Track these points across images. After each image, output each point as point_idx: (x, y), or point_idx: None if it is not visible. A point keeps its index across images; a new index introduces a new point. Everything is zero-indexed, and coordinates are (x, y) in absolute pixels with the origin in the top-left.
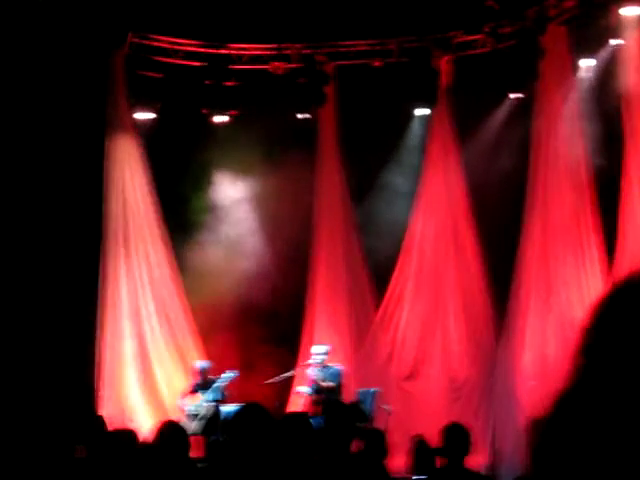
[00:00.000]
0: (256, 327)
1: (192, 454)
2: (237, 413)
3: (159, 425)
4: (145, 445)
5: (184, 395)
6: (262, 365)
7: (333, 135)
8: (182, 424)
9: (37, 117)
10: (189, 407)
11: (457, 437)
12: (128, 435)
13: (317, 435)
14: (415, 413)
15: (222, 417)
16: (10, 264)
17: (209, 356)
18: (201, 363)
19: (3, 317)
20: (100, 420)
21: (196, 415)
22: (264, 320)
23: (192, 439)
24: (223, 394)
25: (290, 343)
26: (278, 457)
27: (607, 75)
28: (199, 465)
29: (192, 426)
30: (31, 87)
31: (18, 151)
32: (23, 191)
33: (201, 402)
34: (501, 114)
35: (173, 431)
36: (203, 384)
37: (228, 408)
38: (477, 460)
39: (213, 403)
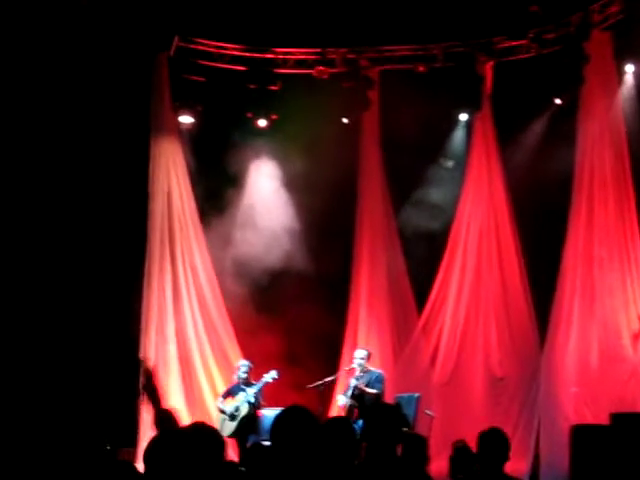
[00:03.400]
0: (298, 332)
1: (227, 456)
2: (281, 416)
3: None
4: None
5: (223, 395)
6: (304, 369)
7: (376, 140)
8: (220, 425)
9: (83, 119)
10: (227, 408)
11: (495, 442)
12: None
13: (359, 440)
14: (456, 418)
15: (262, 420)
16: (57, 266)
17: (252, 359)
18: (242, 362)
19: (50, 319)
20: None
21: (234, 416)
22: (305, 324)
23: (228, 440)
24: (261, 396)
25: (333, 348)
26: (321, 461)
27: None
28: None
29: (229, 427)
30: (77, 89)
31: (65, 153)
32: (70, 193)
33: (240, 403)
34: (545, 119)
35: (204, 433)
36: (243, 383)
37: (270, 412)
38: (519, 466)
39: (251, 405)
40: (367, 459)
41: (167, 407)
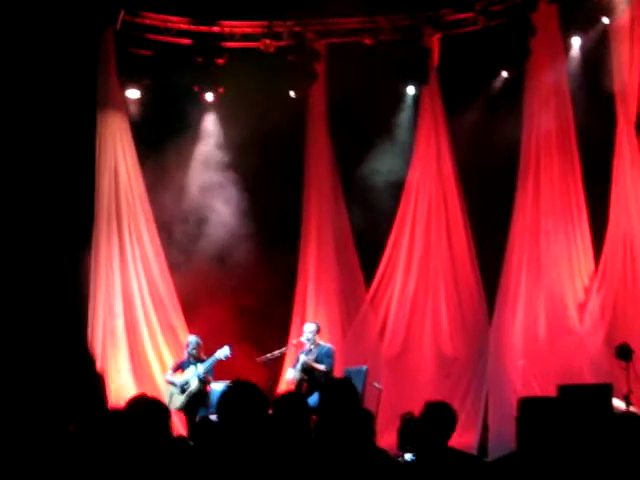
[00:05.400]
0: (246, 306)
1: (176, 431)
2: (226, 390)
3: (132, 400)
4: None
5: (173, 369)
6: (253, 343)
7: (323, 113)
8: (169, 398)
9: (27, 93)
10: (177, 381)
11: (440, 416)
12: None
13: (310, 414)
14: (405, 391)
15: (211, 395)
16: (2, 242)
17: (200, 333)
18: (191, 338)
19: None
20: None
21: (183, 390)
22: (254, 299)
23: (176, 414)
24: (211, 372)
25: (281, 321)
26: (270, 436)
27: (598, 53)
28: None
29: (178, 401)
30: (22, 64)
31: (8, 129)
32: (14, 169)
33: (189, 377)
34: (492, 92)
35: (148, 406)
36: (193, 359)
37: (218, 386)
38: (467, 439)
39: (201, 380)
40: (319, 434)
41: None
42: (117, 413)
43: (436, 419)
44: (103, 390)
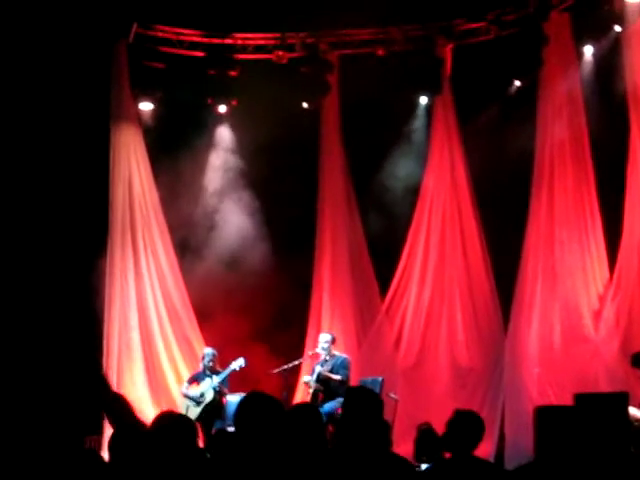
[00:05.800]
0: (261, 316)
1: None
2: (243, 402)
3: (159, 416)
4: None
5: (189, 381)
6: (268, 354)
7: (336, 124)
8: (185, 411)
9: (42, 107)
10: (192, 393)
11: (469, 425)
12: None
13: (326, 424)
14: (421, 402)
15: (227, 407)
16: (18, 255)
17: (215, 344)
18: (207, 350)
19: (11, 306)
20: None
21: (199, 402)
22: (269, 309)
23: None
24: (226, 384)
25: (296, 332)
26: (287, 447)
27: (611, 61)
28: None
29: (194, 412)
30: (36, 77)
31: (23, 141)
32: (30, 182)
33: (205, 389)
34: (505, 101)
35: (174, 422)
36: (208, 371)
37: (234, 398)
38: (484, 448)
39: (217, 391)
40: (339, 442)
41: (116, 391)
42: (145, 430)
43: (465, 427)
44: (128, 408)
